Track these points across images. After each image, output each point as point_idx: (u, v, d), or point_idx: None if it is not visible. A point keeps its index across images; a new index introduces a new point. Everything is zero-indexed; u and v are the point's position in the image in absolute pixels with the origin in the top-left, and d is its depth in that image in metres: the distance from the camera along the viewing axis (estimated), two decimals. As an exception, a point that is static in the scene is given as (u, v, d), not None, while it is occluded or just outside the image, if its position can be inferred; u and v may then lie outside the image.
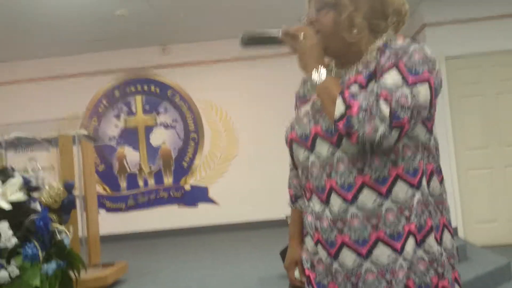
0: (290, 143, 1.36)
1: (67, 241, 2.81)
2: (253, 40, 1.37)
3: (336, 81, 1.27)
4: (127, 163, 7.18)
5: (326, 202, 1.27)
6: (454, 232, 4.52)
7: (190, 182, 7.14)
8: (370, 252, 1.23)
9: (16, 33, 5.97)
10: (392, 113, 1.12)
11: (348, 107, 1.16)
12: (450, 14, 5.99)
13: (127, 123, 7.23)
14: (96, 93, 7.22)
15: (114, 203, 7.13)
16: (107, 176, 7.13)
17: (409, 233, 1.23)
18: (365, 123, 1.13)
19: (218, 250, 5.53)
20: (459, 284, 1.31)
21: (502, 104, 5.88)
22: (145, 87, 7.25)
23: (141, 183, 7.16)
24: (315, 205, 1.31)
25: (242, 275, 3.88)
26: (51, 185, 2.97)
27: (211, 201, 7.08)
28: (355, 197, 1.23)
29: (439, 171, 1.32)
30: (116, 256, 4.37)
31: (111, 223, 6.57)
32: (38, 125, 4.99)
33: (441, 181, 1.31)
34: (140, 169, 7.17)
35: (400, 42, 1.26)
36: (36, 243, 2.58)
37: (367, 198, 1.23)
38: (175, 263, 4.87)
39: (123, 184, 7.17)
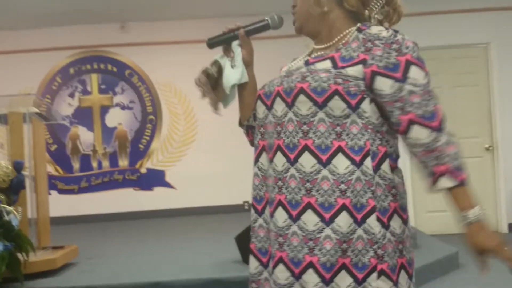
0: (256, 98, 1.42)
1: (15, 223, 2.71)
2: (218, 43, 1.48)
3: None
4: (80, 143, 6.97)
5: (271, 160, 1.33)
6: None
7: (146, 165, 7.01)
8: (299, 215, 1.26)
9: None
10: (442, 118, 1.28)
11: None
12: (409, 6, 6.07)
13: (81, 102, 7.00)
14: (51, 70, 6.95)
15: (67, 184, 6.92)
16: (60, 157, 6.90)
17: (343, 207, 1.24)
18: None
19: (173, 235, 5.47)
20: (407, 272, 1.30)
21: (458, 96, 6.06)
22: (102, 66, 7.02)
23: (95, 164, 6.97)
24: (264, 162, 1.38)
25: (195, 260, 3.86)
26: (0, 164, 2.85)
27: (167, 185, 6.98)
28: (296, 158, 1.28)
29: (394, 158, 1.33)
30: (67, 239, 4.26)
31: (63, 205, 6.39)
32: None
33: (394, 168, 1.32)
34: (94, 150, 6.98)
35: (383, 31, 1.29)
36: (-19, 224, 2.47)
37: (307, 161, 1.27)
38: (128, 247, 4.79)
39: (76, 165, 6.96)
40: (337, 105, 1.25)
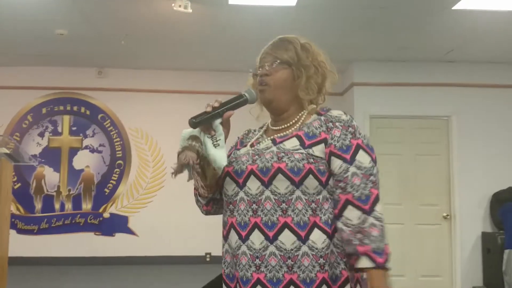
0: (225, 175, 1.45)
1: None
2: (203, 122, 1.40)
3: None
4: (45, 183, 6.88)
5: (246, 238, 1.37)
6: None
7: (110, 210, 6.94)
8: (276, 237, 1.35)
9: None
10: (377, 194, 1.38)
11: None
12: (377, 76, 6.42)
13: (50, 143, 6.97)
14: (23, 108, 6.94)
15: (27, 224, 6.76)
16: (22, 195, 6.78)
17: (323, 280, 1.32)
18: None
19: (131, 283, 5.38)
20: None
21: (419, 165, 6.30)
22: (75, 108, 7.06)
23: (57, 206, 6.86)
24: (232, 241, 1.42)
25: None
26: (-38, 203, 2.82)
27: (129, 231, 6.90)
28: (276, 236, 1.35)
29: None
30: (23, 281, 4.15)
31: (21, 245, 6.22)
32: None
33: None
34: (58, 192, 6.89)
35: (342, 115, 1.44)
36: None
37: (287, 239, 1.34)
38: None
39: (38, 205, 6.84)
40: (311, 183, 1.35)
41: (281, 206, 1.35)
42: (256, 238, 1.35)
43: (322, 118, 1.44)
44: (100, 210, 6.91)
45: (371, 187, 1.36)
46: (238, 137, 1.61)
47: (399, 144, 6.34)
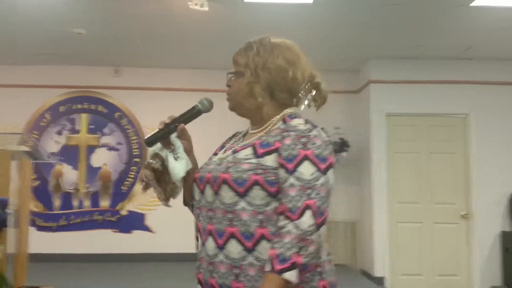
0: (193, 181, 1.51)
1: (-7, 260, 2.72)
2: (157, 140, 1.50)
3: None
4: (63, 181, 6.97)
5: (203, 244, 1.42)
6: (380, 282, 4.67)
7: (127, 207, 7.01)
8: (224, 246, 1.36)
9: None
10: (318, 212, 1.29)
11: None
12: (394, 74, 6.37)
13: (69, 141, 7.06)
14: (41, 106, 7.04)
15: (45, 221, 6.87)
16: (41, 193, 6.88)
17: None
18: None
19: (148, 280, 5.43)
20: None
21: (434, 163, 6.24)
22: (93, 106, 7.14)
23: (75, 203, 6.95)
24: (200, 244, 1.46)
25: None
26: (-16, 200, 2.88)
27: (146, 228, 6.96)
28: (224, 245, 1.37)
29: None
30: (42, 277, 4.21)
31: (40, 242, 6.32)
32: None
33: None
34: (76, 189, 6.98)
35: (301, 125, 1.40)
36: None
37: (233, 248, 1.35)
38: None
39: (57, 202, 6.94)
40: (257, 194, 1.33)
41: (228, 216, 1.36)
42: (210, 245, 1.39)
43: (282, 126, 1.42)
44: (118, 208, 6.99)
45: (305, 200, 1.29)
46: (223, 141, 1.62)
47: (415, 142, 6.29)
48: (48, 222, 6.88)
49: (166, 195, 1.53)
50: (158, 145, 1.50)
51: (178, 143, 1.49)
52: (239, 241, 1.34)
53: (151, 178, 1.49)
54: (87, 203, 6.97)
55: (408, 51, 6.09)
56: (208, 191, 1.42)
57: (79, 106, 7.13)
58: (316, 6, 4.74)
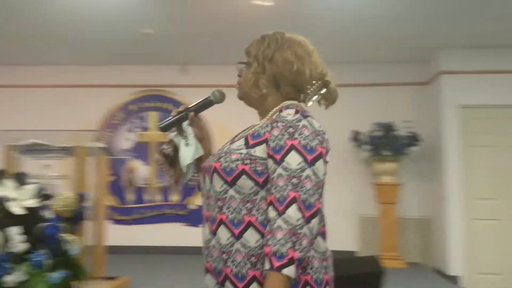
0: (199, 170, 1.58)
1: (74, 252, 2.84)
2: (169, 126, 1.58)
3: None
4: (136, 176, 7.23)
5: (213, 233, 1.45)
6: (454, 281, 4.49)
7: (196, 201, 7.16)
8: (223, 283, 1.39)
9: (42, 37, 6.10)
10: (305, 205, 1.30)
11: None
12: (467, 64, 6.06)
13: (140, 138, 7.31)
14: (113, 105, 7.33)
15: (119, 214, 7.16)
16: (115, 188, 7.18)
17: (253, 278, 1.34)
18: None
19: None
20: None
21: (514, 156, 5.89)
22: (161, 104, 7.34)
23: (147, 197, 7.20)
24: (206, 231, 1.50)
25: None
26: (64, 194, 3.02)
27: (214, 223, 7.06)
28: (215, 231, 1.42)
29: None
30: (118, 269, 4.37)
31: (115, 234, 6.58)
32: (53, 132, 5.06)
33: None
34: (148, 184, 7.22)
35: (290, 115, 1.40)
36: (44, 251, 2.60)
37: (223, 234, 1.40)
38: (177, 282, 4.84)
39: (130, 197, 7.21)
40: (245, 184, 1.38)
41: (218, 204, 1.42)
42: (206, 231, 1.47)
43: (274, 117, 1.45)
44: (187, 202, 7.15)
45: (290, 189, 1.30)
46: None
47: (493, 135, 5.96)
48: (122, 215, 7.16)
49: (175, 179, 1.60)
50: (174, 132, 1.58)
51: (189, 130, 1.57)
52: (227, 227, 1.39)
53: (162, 162, 1.57)
54: (158, 197, 7.19)
55: (482, 40, 5.76)
56: (206, 180, 1.48)
57: (149, 104, 7.35)
58: (385, -4, 4.60)
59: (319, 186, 1.34)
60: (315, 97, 1.52)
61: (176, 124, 1.58)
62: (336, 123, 6.87)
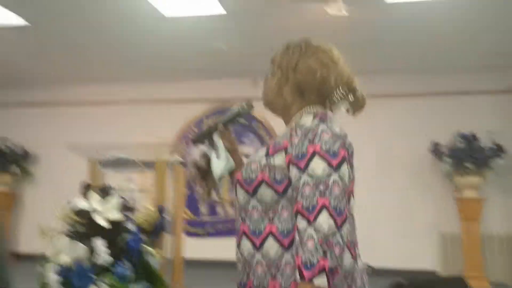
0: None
1: (155, 264, 2.89)
2: (200, 139, 1.63)
3: None
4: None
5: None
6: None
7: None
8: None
9: (118, 57, 6.37)
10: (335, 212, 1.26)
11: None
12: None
13: (213, 151, 7.41)
14: (188, 120, 7.50)
15: (193, 227, 7.27)
16: (189, 201, 7.30)
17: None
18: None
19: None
20: None
21: None
22: (234, 118, 7.41)
23: (220, 210, 7.26)
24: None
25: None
26: (146, 207, 3.09)
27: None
28: (239, 243, 1.45)
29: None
30: (195, 282, 4.38)
31: (190, 247, 6.68)
32: (131, 146, 5.22)
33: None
34: (221, 198, 7.26)
35: (308, 122, 1.40)
36: (127, 263, 2.66)
37: (245, 246, 1.43)
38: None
39: (203, 209, 7.31)
40: (265, 193, 1.38)
41: (241, 215, 1.43)
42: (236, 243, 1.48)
43: (293, 125, 1.44)
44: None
45: (318, 196, 1.26)
46: None
47: None
48: (196, 228, 7.27)
49: (208, 191, 1.65)
50: (206, 144, 1.63)
51: (219, 143, 1.61)
52: (249, 238, 1.39)
53: (194, 174, 1.63)
54: (231, 211, 7.24)
55: None
56: (233, 192, 1.50)
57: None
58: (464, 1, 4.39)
59: (347, 191, 1.30)
60: (343, 104, 1.51)
61: (207, 137, 1.62)
62: (413, 134, 6.64)
